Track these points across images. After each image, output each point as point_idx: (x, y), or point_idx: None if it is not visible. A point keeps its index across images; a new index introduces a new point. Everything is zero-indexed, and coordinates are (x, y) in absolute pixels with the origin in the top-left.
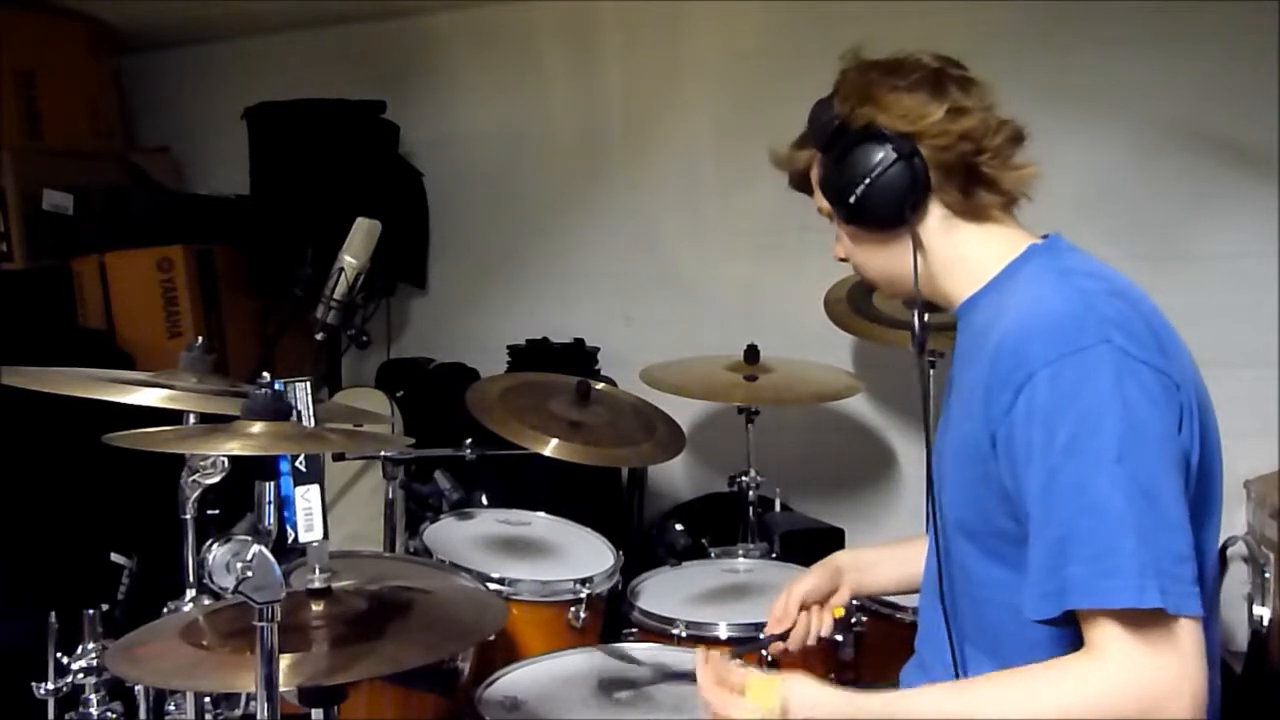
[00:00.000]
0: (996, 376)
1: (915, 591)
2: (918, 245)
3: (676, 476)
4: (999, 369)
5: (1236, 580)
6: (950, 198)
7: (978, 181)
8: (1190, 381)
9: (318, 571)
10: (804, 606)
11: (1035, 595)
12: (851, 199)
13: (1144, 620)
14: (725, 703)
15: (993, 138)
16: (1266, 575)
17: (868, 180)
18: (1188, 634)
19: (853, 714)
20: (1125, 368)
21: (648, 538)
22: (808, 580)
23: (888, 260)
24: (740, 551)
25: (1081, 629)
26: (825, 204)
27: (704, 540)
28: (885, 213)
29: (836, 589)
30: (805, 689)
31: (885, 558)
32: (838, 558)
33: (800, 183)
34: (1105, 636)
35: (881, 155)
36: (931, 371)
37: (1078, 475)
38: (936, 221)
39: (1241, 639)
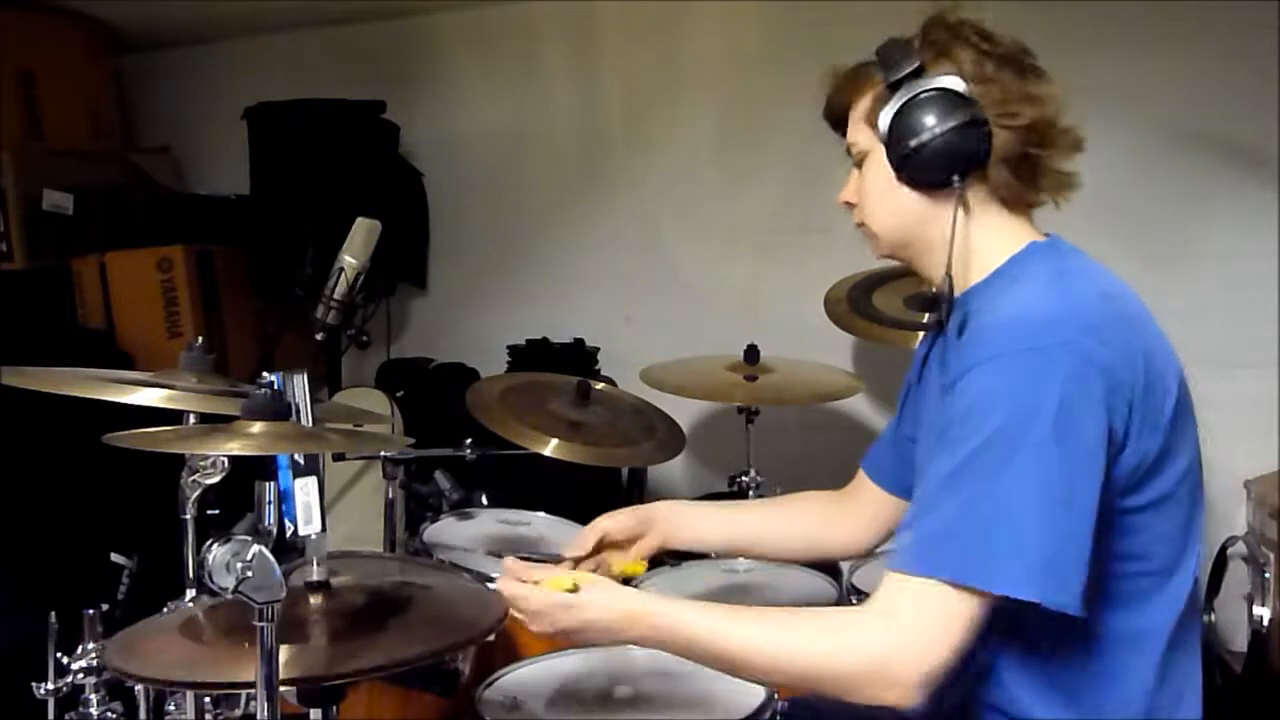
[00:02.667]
0: (961, 362)
1: (739, 554)
2: (964, 209)
3: (676, 476)
4: (963, 356)
5: (1236, 580)
6: (1000, 178)
7: (1030, 174)
8: (1172, 390)
9: (315, 564)
10: (606, 544)
11: (917, 550)
12: (913, 142)
13: (949, 596)
14: (521, 591)
15: (1057, 136)
16: (1266, 575)
17: (935, 131)
18: (978, 611)
19: (639, 606)
20: (1077, 372)
21: None
22: (615, 518)
23: (913, 218)
24: None
25: (881, 586)
26: (864, 140)
27: None
28: (939, 170)
29: (645, 535)
30: (598, 581)
31: (707, 515)
32: (655, 506)
33: (838, 112)
34: (911, 600)
35: (955, 112)
36: None
37: (993, 461)
38: (975, 199)
39: (1241, 639)
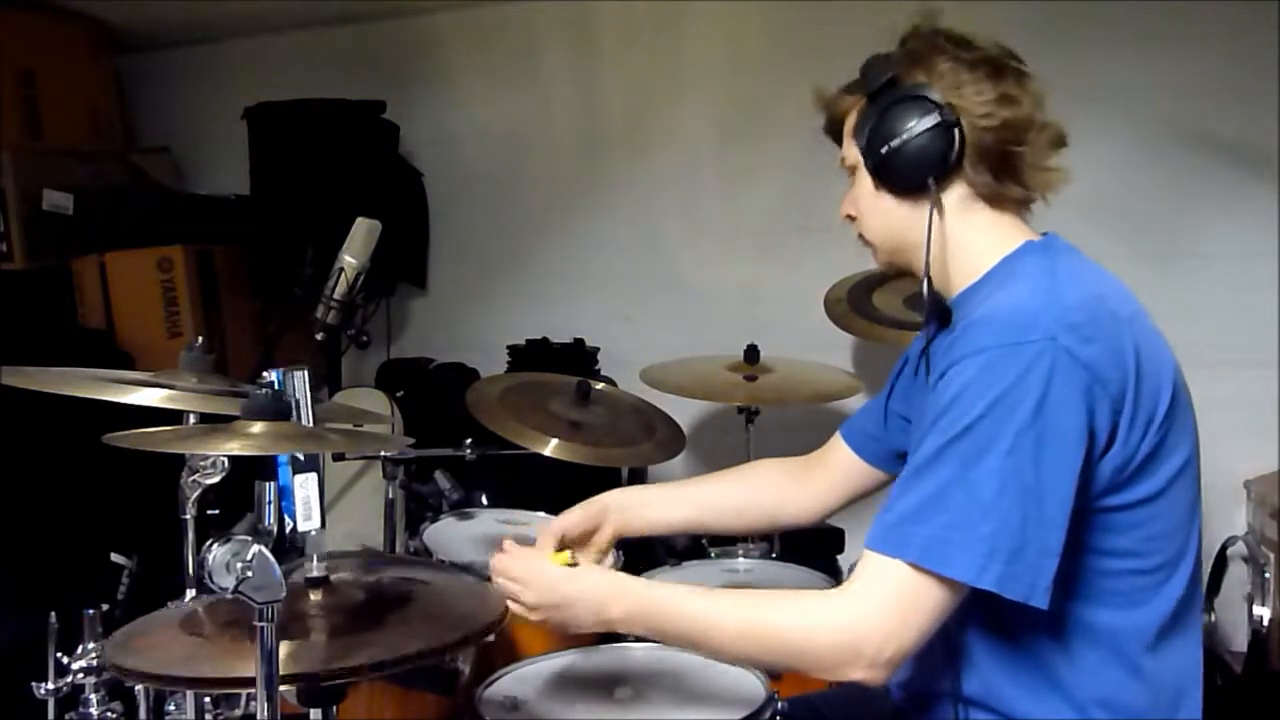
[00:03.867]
0: (949, 356)
1: (700, 531)
2: (938, 210)
3: (676, 476)
4: (951, 350)
5: (1237, 580)
6: (980, 179)
7: (1009, 172)
8: (1165, 389)
9: (315, 560)
10: (565, 544)
11: (885, 531)
12: (884, 149)
13: (914, 578)
14: (522, 555)
15: (1036, 134)
16: (1266, 575)
17: (905, 136)
18: (942, 595)
19: (625, 582)
20: (1060, 367)
21: (648, 537)
22: (568, 517)
23: (899, 224)
24: (740, 551)
25: (859, 567)
26: (852, 154)
27: (704, 540)
28: (913, 173)
29: (599, 528)
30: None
31: (661, 497)
32: (604, 497)
33: (833, 128)
34: (876, 579)
35: (925, 117)
36: None
37: (969, 451)
38: (956, 199)
39: (1241, 639)
